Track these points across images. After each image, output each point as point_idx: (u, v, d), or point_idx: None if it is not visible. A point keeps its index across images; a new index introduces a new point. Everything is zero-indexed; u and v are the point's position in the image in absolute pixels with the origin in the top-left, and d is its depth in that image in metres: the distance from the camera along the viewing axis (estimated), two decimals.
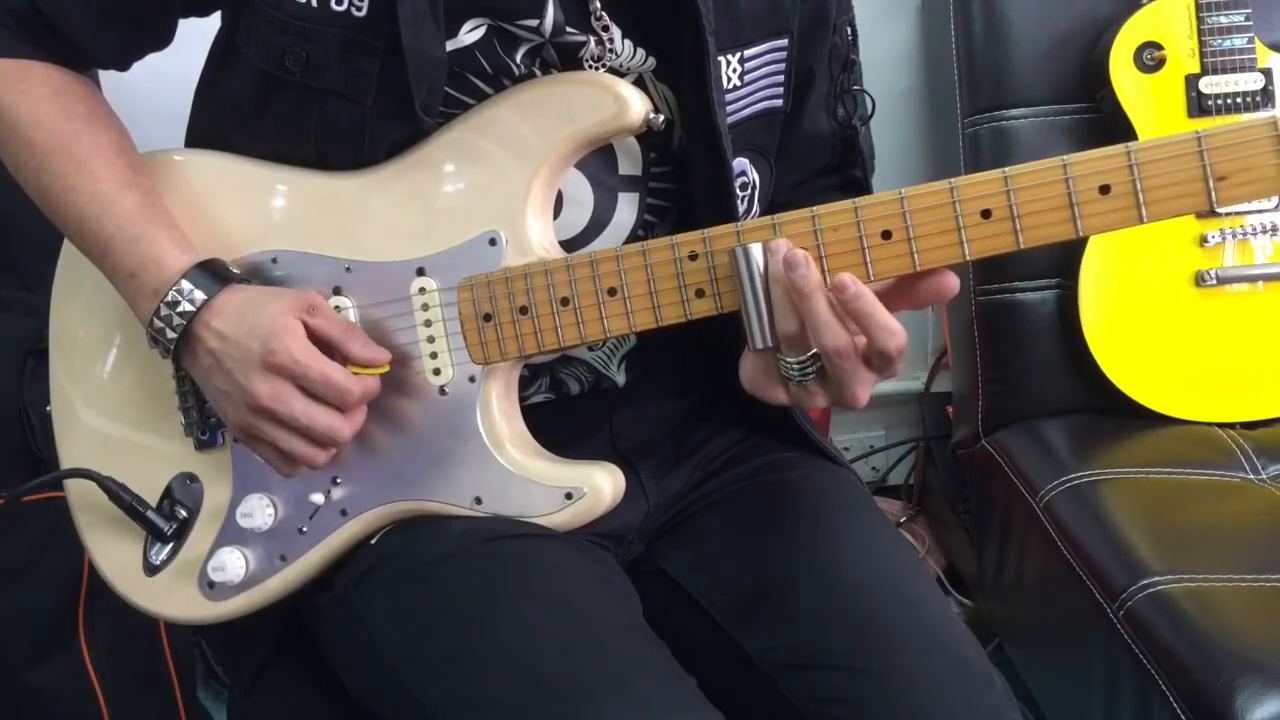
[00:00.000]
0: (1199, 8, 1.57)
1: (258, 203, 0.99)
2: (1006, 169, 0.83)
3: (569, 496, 0.94)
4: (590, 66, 0.95)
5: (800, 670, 0.94)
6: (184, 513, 1.02)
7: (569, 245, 0.98)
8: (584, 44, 0.94)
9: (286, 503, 0.99)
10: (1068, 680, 1.49)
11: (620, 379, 1.05)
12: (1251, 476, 1.50)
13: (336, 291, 0.96)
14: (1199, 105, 1.58)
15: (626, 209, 1.00)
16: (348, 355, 0.92)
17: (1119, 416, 1.63)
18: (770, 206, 1.07)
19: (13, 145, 0.99)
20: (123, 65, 1.07)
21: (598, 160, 0.98)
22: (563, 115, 0.92)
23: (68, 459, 1.07)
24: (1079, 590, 1.37)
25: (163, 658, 1.54)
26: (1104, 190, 0.82)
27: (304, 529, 0.98)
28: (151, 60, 1.07)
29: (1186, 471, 1.51)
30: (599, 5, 0.93)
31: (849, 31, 1.09)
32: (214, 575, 0.99)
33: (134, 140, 1.02)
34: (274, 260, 0.98)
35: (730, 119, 0.98)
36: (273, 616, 1.01)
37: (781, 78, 1.04)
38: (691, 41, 0.94)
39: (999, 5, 1.70)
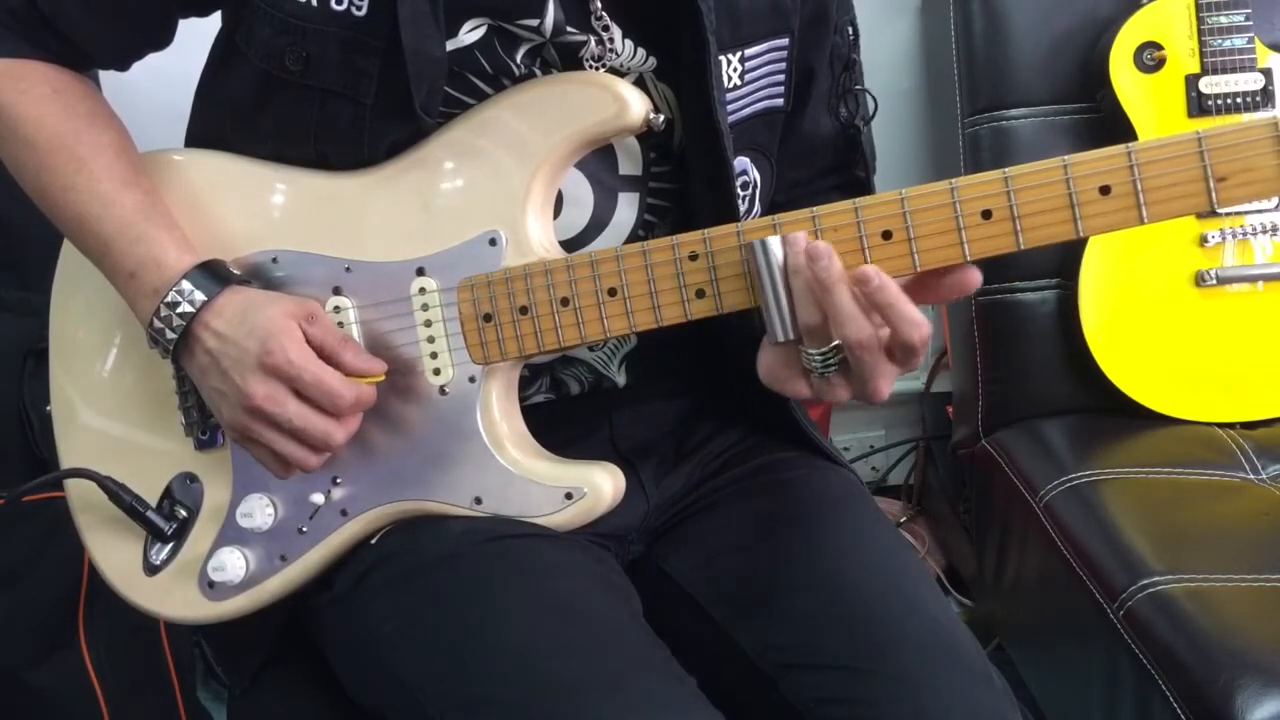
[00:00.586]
0: (1199, 8, 1.57)
1: (258, 203, 0.99)
2: (1007, 169, 0.83)
3: (569, 496, 0.94)
4: (591, 66, 0.95)
5: (800, 670, 0.94)
6: (184, 513, 1.02)
7: (569, 245, 0.98)
8: (584, 44, 0.94)
9: (286, 503, 0.99)
10: (1068, 680, 1.49)
11: (620, 379, 1.05)
12: (1251, 476, 1.50)
13: (336, 291, 0.96)
14: (1199, 105, 1.58)
15: (626, 209, 1.00)
16: (341, 366, 0.92)
17: (1119, 416, 1.63)
18: (771, 206, 1.07)
19: (12, 145, 0.99)
20: (123, 65, 1.07)
21: (598, 160, 0.98)
22: (563, 115, 0.92)
23: (68, 459, 1.07)
24: (1079, 590, 1.37)
25: (163, 658, 1.54)
26: (1104, 191, 0.82)
27: (304, 529, 0.98)
28: (151, 60, 1.07)
29: (1186, 471, 1.51)
30: (599, 5, 0.93)
31: (850, 31, 1.09)
32: (214, 575, 0.99)
33: (134, 140, 1.02)
34: (274, 260, 0.98)
35: (731, 118, 0.98)
36: (273, 616, 1.01)
37: (782, 77, 1.04)
38: (692, 41, 0.93)
39: (999, 5, 1.70)
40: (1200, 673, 1.17)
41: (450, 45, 0.92)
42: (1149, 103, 1.59)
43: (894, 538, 1.07)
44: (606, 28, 0.94)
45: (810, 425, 1.12)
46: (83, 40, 1.00)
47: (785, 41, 1.02)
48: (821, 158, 1.13)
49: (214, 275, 0.94)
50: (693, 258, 0.89)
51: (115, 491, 1.01)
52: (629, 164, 0.99)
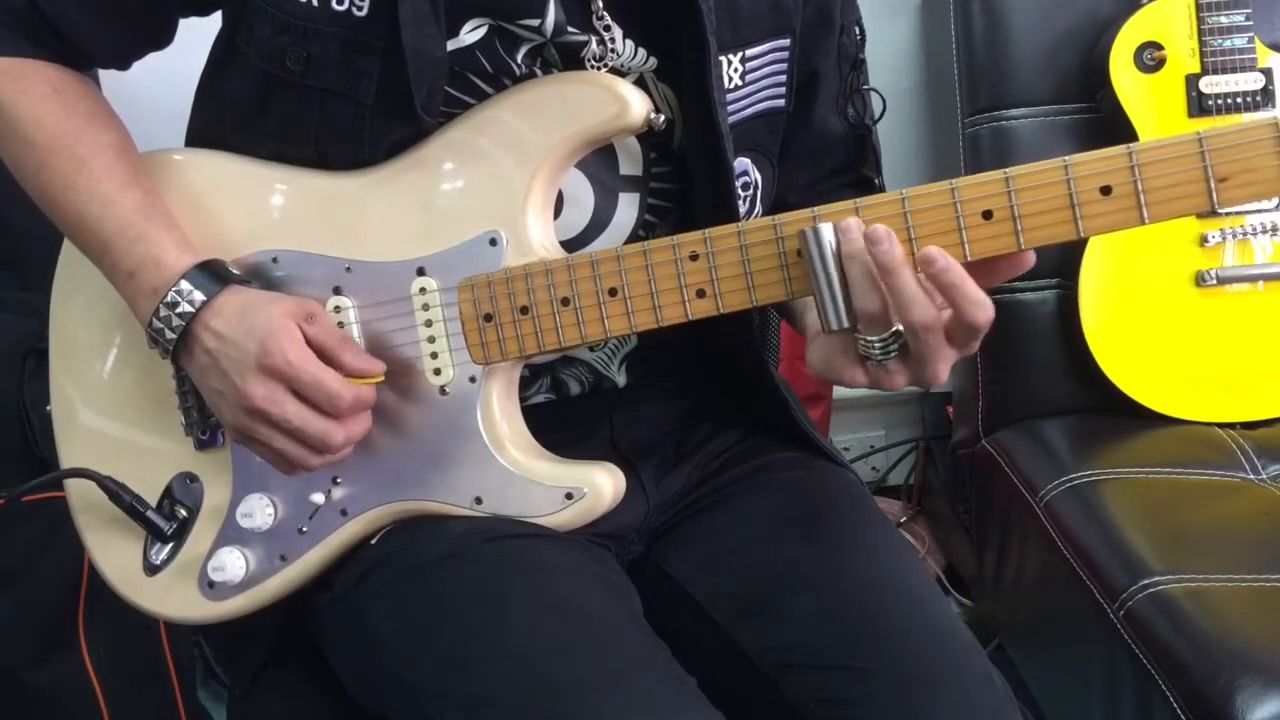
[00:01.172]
0: (1199, 8, 1.57)
1: (258, 203, 0.99)
2: (1008, 169, 0.83)
3: (569, 496, 0.94)
4: (591, 66, 0.94)
5: (800, 670, 0.94)
6: (184, 512, 1.02)
7: (569, 245, 0.98)
8: (585, 44, 0.94)
9: (286, 503, 0.99)
10: (1068, 680, 1.49)
11: (621, 379, 1.05)
12: (1251, 476, 1.50)
13: (337, 291, 0.96)
14: (1199, 105, 1.58)
15: (627, 209, 1.00)
16: (340, 366, 0.92)
17: (1119, 416, 1.63)
18: (783, 207, 1.07)
19: (13, 144, 0.99)
20: (123, 65, 1.07)
21: (598, 160, 0.98)
22: (563, 115, 0.92)
23: (68, 459, 1.07)
24: (1079, 590, 1.37)
25: (163, 658, 1.54)
26: (1105, 191, 0.82)
27: (304, 529, 0.98)
28: (151, 60, 1.07)
29: (1186, 471, 1.51)
30: (600, 5, 0.93)
31: (857, 31, 1.09)
32: (214, 575, 0.99)
33: (134, 140, 1.02)
34: (274, 260, 0.98)
35: (731, 119, 0.98)
36: (273, 616, 1.01)
37: (784, 78, 1.04)
38: (693, 41, 0.93)
39: (999, 5, 1.70)
40: (1200, 673, 1.17)
41: (451, 45, 0.92)
42: (1149, 103, 1.59)
43: (894, 538, 1.07)
44: (608, 28, 0.94)
45: (810, 425, 1.12)
46: (83, 40, 1.00)
47: (787, 42, 1.02)
48: (832, 158, 1.12)
49: (213, 275, 0.94)
50: (693, 258, 0.89)
51: (115, 491, 1.01)
52: (629, 164, 0.99)
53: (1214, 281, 1.59)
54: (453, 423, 0.95)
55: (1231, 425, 1.61)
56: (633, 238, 1.00)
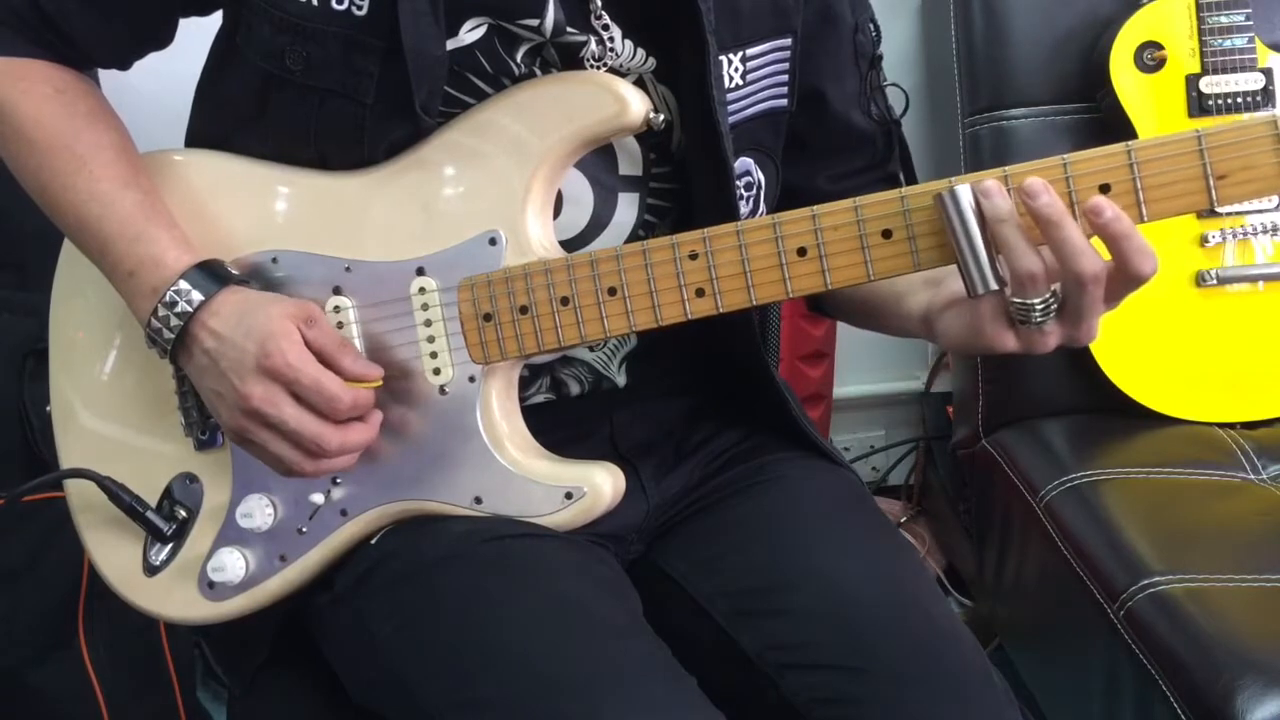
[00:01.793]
0: (1199, 7, 1.57)
1: (257, 203, 0.99)
2: (1007, 168, 0.83)
3: (569, 496, 0.94)
4: (591, 66, 0.94)
5: (800, 670, 0.94)
6: (184, 513, 1.02)
7: (569, 245, 0.98)
8: (584, 44, 0.94)
9: (286, 503, 0.99)
10: (1068, 680, 1.49)
11: (620, 379, 1.05)
12: (1251, 476, 1.50)
13: (336, 291, 0.96)
14: (1199, 105, 1.58)
15: (626, 209, 1.00)
16: (339, 370, 0.91)
17: (1119, 416, 1.63)
18: (814, 198, 1.04)
19: (13, 143, 0.99)
20: (123, 64, 1.06)
21: (597, 160, 0.97)
22: (562, 115, 0.92)
23: (67, 459, 1.07)
24: (1079, 590, 1.37)
25: (163, 658, 1.54)
26: (1104, 189, 0.82)
27: (304, 529, 0.98)
28: (151, 60, 1.07)
29: (1186, 471, 1.51)
30: (599, 5, 0.93)
31: (872, 28, 1.09)
32: (214, 575, 0.99)
33: (134, 140, 1.02)
34: (274, 260, 0.98)
35: (732, 119, 0.98)
36: (272, 617, 1.01)
37: (785, 77, 1.04)
38: (692, 41, 0.93)
39: (999, 5, 1.70)
40: (1201, 673, 1.17)
41: (450, 45, 0.92)
42: (1149, 103, 1.59)
43: (894, 538, 1.07)
44: (607, 27, 0.94)
45: (810, 425, 1.12)
46: (84, 39, 1.00)
47: (788, 41, 1.02)
48: (859, 156, 1.12)
49: (212, 275, 0.94)
50: (693, 257, 0.89)
51: (115, 492, 1.01)
52: (629, 164, 0.99)
53: (1214, 281, 1.59)
54: (452, 422, 0.95)
55: (1231, 425, 1.61)
56: (632, 237, 1.00)
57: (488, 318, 0.93)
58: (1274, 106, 1.58)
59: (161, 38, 1.04)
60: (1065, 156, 0.82)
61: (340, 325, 0.96)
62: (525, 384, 1.01)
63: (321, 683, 1.03)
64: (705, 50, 0.93)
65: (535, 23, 0.93)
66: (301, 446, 0.91)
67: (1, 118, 0.98)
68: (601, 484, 0.94)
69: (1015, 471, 1.61)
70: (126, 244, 0.95)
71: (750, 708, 0.94)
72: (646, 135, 0.97)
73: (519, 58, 0.94)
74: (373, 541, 0.98)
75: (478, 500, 0.95)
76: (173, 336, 0.93)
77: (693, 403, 1.11)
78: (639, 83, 0.97)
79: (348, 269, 0.96)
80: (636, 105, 0.91)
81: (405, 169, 0.95)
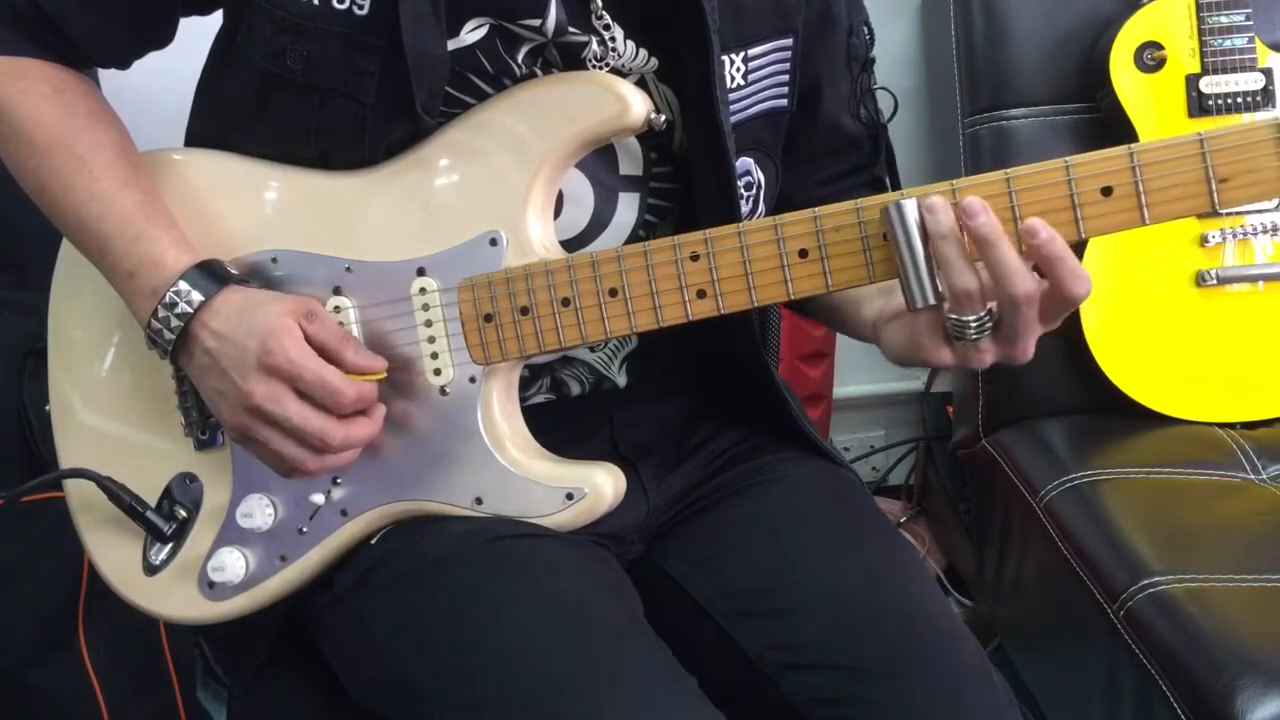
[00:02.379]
0: (1199, 8, 1.57)
1: (258, 202, 0.99)
2: (1008, 170, 0.83)
3: (570, 497, 0.94)
4: (592, 67, 0.94)
5: (800, 670, 0.94)
6: (183, 513, 1.02)
7: (569, 245, 0.98)
8: (586, 44, 0.94)
9: (286, 503, 0.99)
10: (1068, 680, 1.49)
11: (621, 380, 1.05)
12: (1251, 476, 1.50)
13: (336, 292, 0.96)
14: (1199, 105, 1.58)
15: (627, 209, 1.00)
16: (342, 363, 0.91)
17: (1119, 416, 1.63)
18: (799, 204, 1.05)
19: (12, 143, 0.99)
20: (123, 64, 1.06)
21: (598, 160, 0.97)
22: (564, 115, 0.92)
23: (67, 459, 1.07)
24: (1079, 590, 1.37)
25: (163, 658, 1.54)
26: (1106, 192, 0.82)
27: (304, 529, 0.98)
28: (151, 60, 1.06)
29: (1186, 471, 1.51)
30: (600, 5, 0.93)
31: (866, 31, 1.09)
32: (214, 575, 0.99)
33: (134, 140, 1.02)
34: (274, 260, 0.98)
35: (733, 118, 0.98)
36: (272, 617, 1.01)
37: (786, 77, 1.04)
38: (695, 41, 0.93)
39: (999, 5, 1.70)
40: (1201, 673, 1.17)
41: (451, 45, 0.92)
42: (1149, 103, 1.59)
43: (894, 538, 1.07)
44: (608, 27, 0.94)
45: (810, 425, 1.12)
46: (84, 39, 1.00)
47: (789, 41, 1.02)
48: (846, 158, 1.12)
49: (212, 275, 0.94)
50: (694, 258, 0.89)
51: (115, 491, 1.01)
52: (630, 164, 0.99)
53: (1214, 281, 1.59)
54: (453, 423, 0.95)
55: (1231, 425, 1.61)
56: (633, 238, 1.00)
57: (488, 318, 0.93)
58: (1274, 107, 1.58)
59: (161, 37, 1.04)
60: (1067, 159, 0.82)
61: (340, 325, 0.95)
62: (526, 384, 1.01)
63: (321, 683, 1.03)
64: (709, 50, 0.93)
65: (537, 23, 0.93)
66: (305, 442, 0.91)
67: (1, 117, 0.98)
68: (602, 484, 0.94)
69: (1015, 471, 1.62)
70: (126, 244, 0.95)
71: (750, 708, 0.94)
72: (647, 135, 0.97)
73: (520, 58, 0.94)
74: (373, 541, 0.98)
75: (478, 501, 0.95)
76: (173, 337, 0.93)
77: (693, 403, 1.11)
78: (640, 83, 0.97)
79: (348, 269, 0.96)
80: (638, 106, 0.91)
81: (406, 169, 0.95)
